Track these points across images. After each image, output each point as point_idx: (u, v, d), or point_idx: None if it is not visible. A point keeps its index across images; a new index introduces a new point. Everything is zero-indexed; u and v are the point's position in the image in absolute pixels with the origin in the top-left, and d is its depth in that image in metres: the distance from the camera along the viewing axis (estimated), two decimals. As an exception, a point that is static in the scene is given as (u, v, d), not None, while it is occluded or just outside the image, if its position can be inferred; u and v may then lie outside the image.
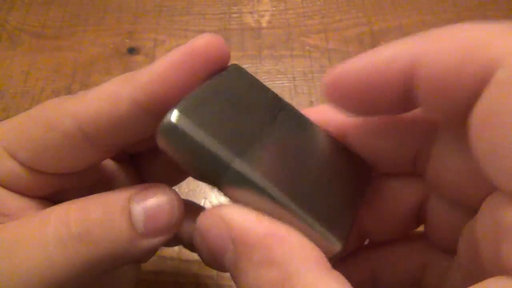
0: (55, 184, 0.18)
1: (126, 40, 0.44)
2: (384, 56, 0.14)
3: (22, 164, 0.17)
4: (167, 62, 0.16)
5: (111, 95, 0.16)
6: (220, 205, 0.14)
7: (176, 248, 0.31)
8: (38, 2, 0.48)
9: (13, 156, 0.17)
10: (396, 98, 0.14)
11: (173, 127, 0.14)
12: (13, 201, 0.18)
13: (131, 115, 0.16)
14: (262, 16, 0.45)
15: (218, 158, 0.14)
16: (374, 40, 0.42)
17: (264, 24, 0.44)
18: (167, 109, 0.14)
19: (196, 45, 0.16)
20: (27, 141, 0.17)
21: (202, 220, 0.15)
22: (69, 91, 0.40)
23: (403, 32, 0.43)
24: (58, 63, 0.43)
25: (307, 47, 0.42)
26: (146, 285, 0.30)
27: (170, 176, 0.22)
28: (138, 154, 0.22)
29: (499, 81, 0.12)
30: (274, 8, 0.46)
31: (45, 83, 0.41)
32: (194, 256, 0.30)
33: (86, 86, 0.41)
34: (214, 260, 0.15)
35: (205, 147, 0.14)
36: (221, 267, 0.15)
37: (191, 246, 0.22)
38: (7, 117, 0.40)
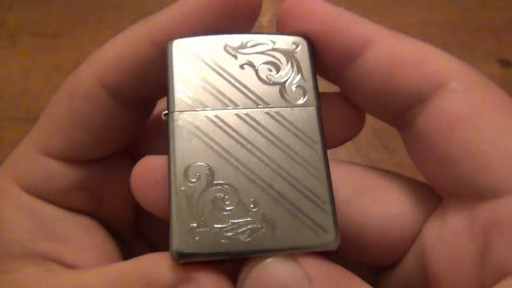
0: (89, 178, 0.18)
1: (126, 39, 0.44)
2: None
3: (57, 158, 0.17)
4: (189, 2, 0.15)
5: (129, 38, 0.15)
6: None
7: None
8: (38, 1, 0.48)
9: (48, 154, 0.17)
10: None
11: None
12: (59, 222, 0.17)
13: (152, 57, 0.15)
14: (263, 15, 0.45)
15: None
16: (375, 39, 0.42)
17: (265, 23, 0.44)
18: None
19: None
20: (56, 123, 0.17)
21: None
22: (69, 90, 0.40)
23: (403, 31, 0.43)
24: (58, 62, 0.42)
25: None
26: None
27: None
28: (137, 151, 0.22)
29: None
30: (275, 7, 0.46)
31: (44, 82, 0.41)
32: None
33: (86, 85, 0.40)
34: None
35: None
36: None
37: None
38: (7, 116, 0.40)
